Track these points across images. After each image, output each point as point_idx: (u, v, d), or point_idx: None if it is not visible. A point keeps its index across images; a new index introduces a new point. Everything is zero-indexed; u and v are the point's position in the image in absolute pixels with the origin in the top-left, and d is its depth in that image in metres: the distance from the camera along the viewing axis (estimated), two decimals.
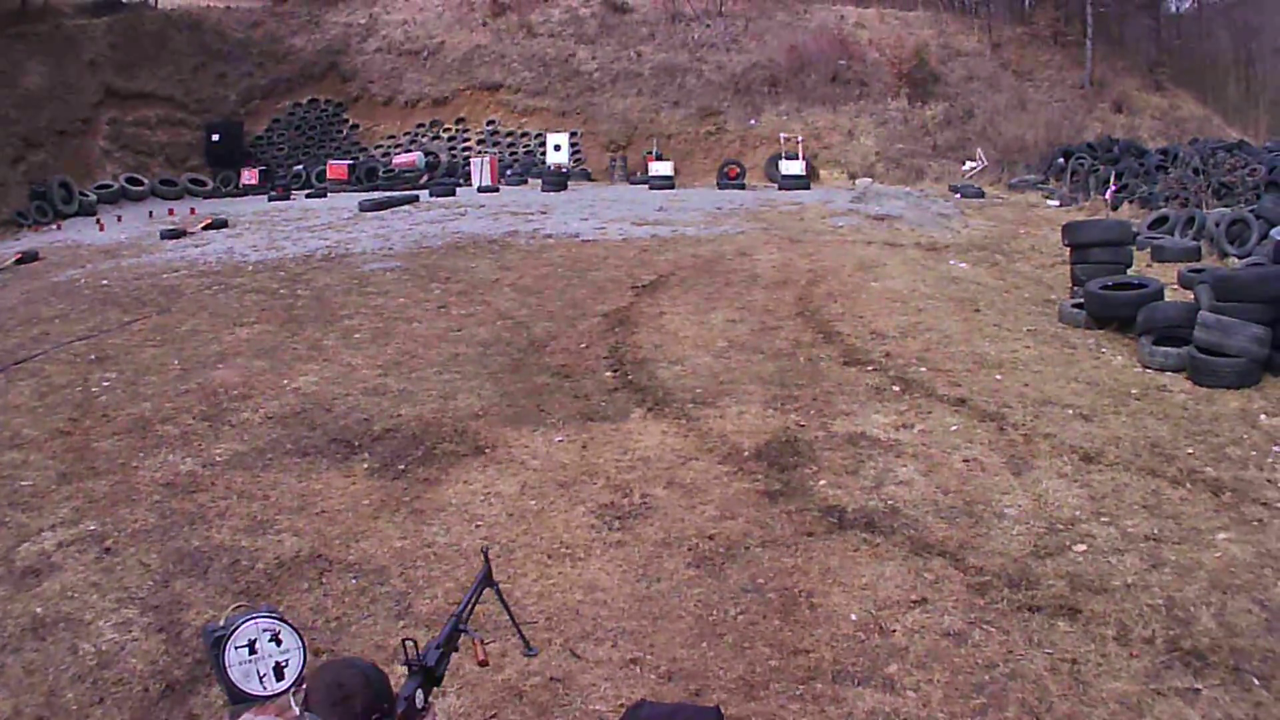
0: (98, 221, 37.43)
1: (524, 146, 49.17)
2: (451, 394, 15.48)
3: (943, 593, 9.55)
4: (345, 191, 43.50)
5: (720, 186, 42.64)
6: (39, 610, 9.78)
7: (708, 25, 53.14)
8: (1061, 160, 40.90)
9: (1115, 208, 33.71)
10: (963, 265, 24.64)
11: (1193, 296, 17.91)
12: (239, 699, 5.30)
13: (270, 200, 41.43)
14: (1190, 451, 12.86)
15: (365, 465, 13.04)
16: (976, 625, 8.97)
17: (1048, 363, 16.43)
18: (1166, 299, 18.05)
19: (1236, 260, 23.14)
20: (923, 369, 15.93)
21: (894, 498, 11.60)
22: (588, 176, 46.67)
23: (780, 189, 41.26)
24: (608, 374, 16.30)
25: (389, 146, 49.78)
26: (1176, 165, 34.64)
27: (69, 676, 8.72)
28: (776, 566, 10.18)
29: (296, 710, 4.59)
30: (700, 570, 10.17)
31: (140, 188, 44.15)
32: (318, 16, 53.45)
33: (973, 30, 55.05)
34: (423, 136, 49.87)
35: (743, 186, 42.25)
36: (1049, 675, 8.23)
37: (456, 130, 49.88)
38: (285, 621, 5.47)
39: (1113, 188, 34.93)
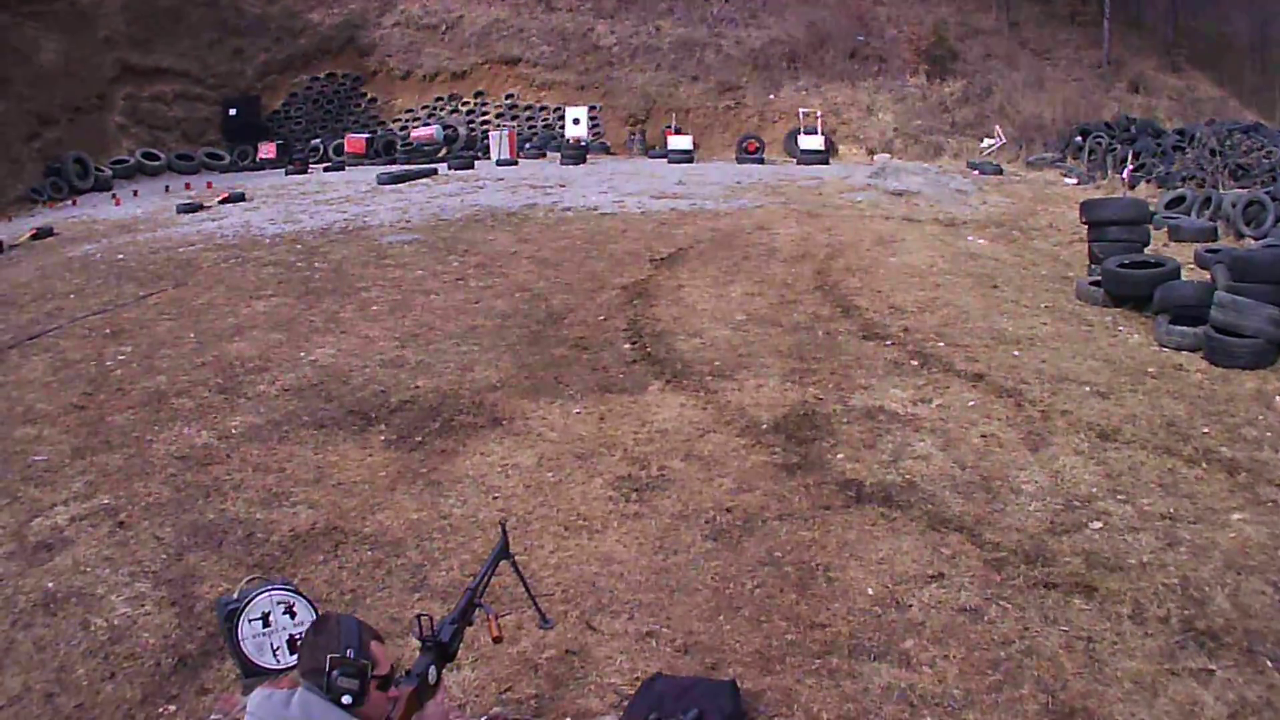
0: (113, 197, 37.46)
1: (542, 120, 49.12)
2: (469, 366, 15.50)
3: (959, 568, 9.56)
4: (363, 165, 43.54)
5: (739, 161, 42.58)
6: (51, 585, 9.78)
7: (726, 0, 53.08)
8: (1079, 139, 40.80)
9: (1132, 187, 33.62)
10: (981, 241, 24.62)
11: (1209, 276, 17.86)
12: (252, 673, 5.31)
13: (287, 174, 41.38)
14: (1206, 431, 12.85)
15: (382, 437, 13.04)
16: (993, 601, 8.97)
17: (1065, 340, 16.42)
18: (1183, 278, 18.04)
19: (1253, 241, 23.14)
20: (940, 344, 15.93)
21: (911, 472, 11.60)
22: (606, 150, 46.64)
23: (799, 164, 41.34)
24: (626, 346, 16.32)
25: (407, 120, 49.72)
26: (1193, 146, 34.59)
27: (80, 652, 8.71)
28: (794, 540, 10.19)
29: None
30: (717, 543, 10.18)
31: (156, 163, 44.24)
32: None
33: (991, 8, 54.92)
34: (441, 110, 49.81)
35: (761, 161, 42.22)
36: (1064, 653, 8.22)
37: (475, 104, 49.83)
38: (299, 594, 5.49)
39: (1130, 167, 34.86)
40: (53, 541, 10.66)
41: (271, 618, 5.50)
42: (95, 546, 10.51)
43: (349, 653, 4.46)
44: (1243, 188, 28.53)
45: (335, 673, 4.40)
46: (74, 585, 9.77)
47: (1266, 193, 25.44)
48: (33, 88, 41.48)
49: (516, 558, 5.90)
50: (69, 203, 37.70)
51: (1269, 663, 8.04)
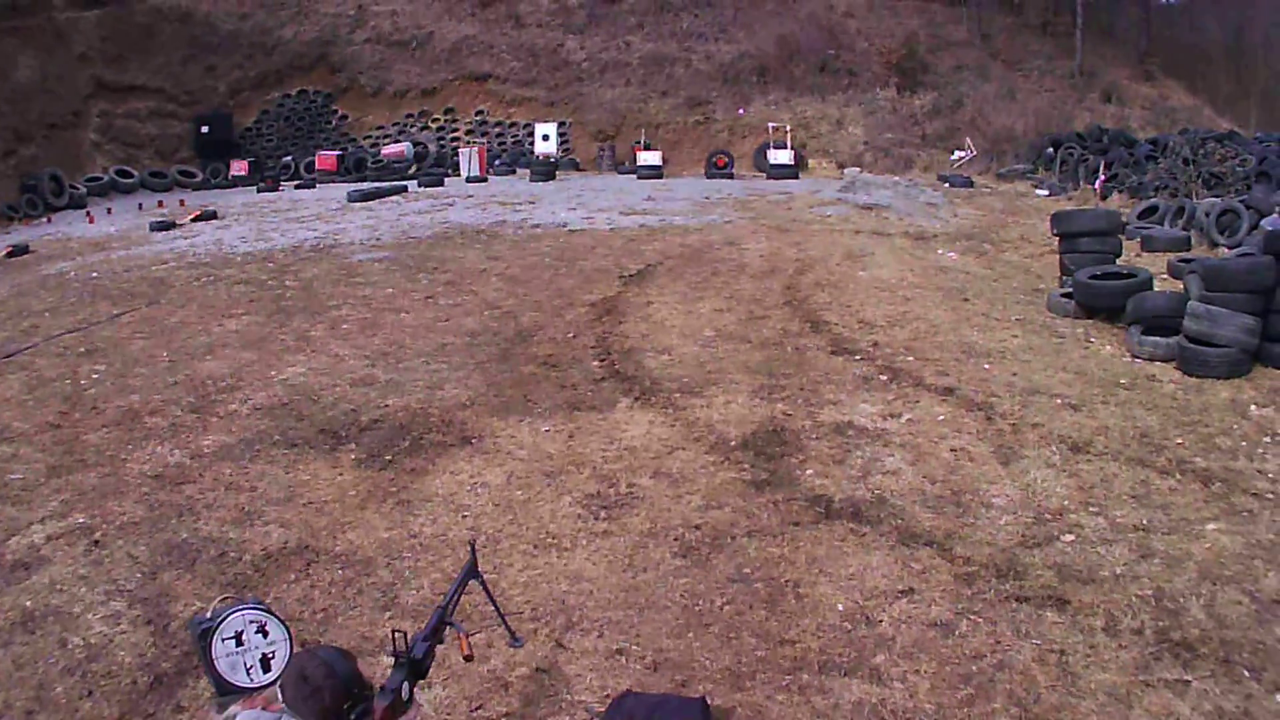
0: (87, 214, 37.57)
1: (512, 136, 49.23)
2: (439, 384, 15.48)
3: (930, 583, 9.55)
4: (334, 182, 43.72)
5: (708, 176, 42.76)
6: (28, 604, 9.78)
7: (696, 15, 53.18)
8: (1051, 150, 40.93)
9: (1105, 197, 33.78)
10: (951, 254, 24.67)
11: (1182, 286, 17.91)
12: (226, 691, 5.33)
13: (259, 191, 41.66)
14: (1180, 442, 12.85)
15: (352, 456, 13.02)
16: (964, 616, 8.97)
17: (1036, 352, 16.44)
18: (1155, 289, 18.06)
19: (1226, 250, 23.21)
20: (910, 358, 15.93)
21: (881, 487, 11.59)
22: (576, 166, 46.80)
23: (769, 178, 41.47)
24: (595, 364, 16.30)
25: (378, 137, 49.79)
26: (1166, 155, 34.63)
27: (58, 670, 8.72)
28: (763, 556, 10.17)
29: (281, 702, 4.59)
30: (686, 560, 10.16)
31: (130, 180, 44.34)
32: (307, 7, 53.35)
33: (962, 20, 55.09)
34: (411, 127, 49.90)
35: (731, 176, 42.40)
36: (1037, 666, 8.22)
37: (445, 120, 49.93)
38: (271, 613, 5.50)
39: (1102, 177, 35.00)
40: (29, 560, 10.65)
41: (244, 637, 5.51)
42: (71, 565, 10.50)
43: (355, 690, 4.55)
44: (1216, 196, 28.60)
45: (354, 715, 4.50)
46: (51, 604, 9.77)
47: (1241, 201, 25.53)
48: (9, 104, 41.53)
49: (486, 576, 5.93)
50: (44, 220, 37.85)
51: (1246, 672, 8.05)
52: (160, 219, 33.20)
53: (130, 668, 8.71)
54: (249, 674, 5.52)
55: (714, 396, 14.56)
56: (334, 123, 50.66)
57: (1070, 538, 10.37)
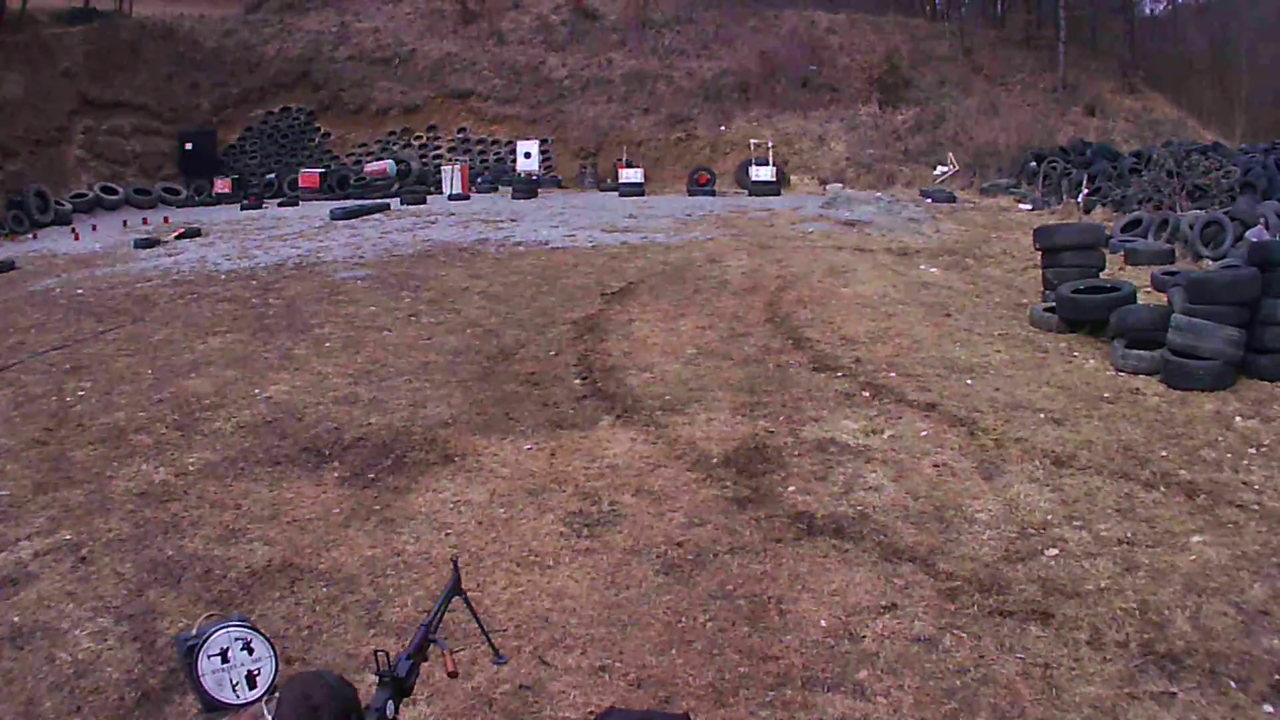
0: (73, 231, 37.53)
1: (494, 154, 49.24)
2: (421, 402, 15.49)
3: (913, 598, 9.54)
4: (317, 200, 43.73)
5: (690, 193, 42.87)
6: (17, 619, 9.78)
7: (678, 31, 53.22)
8: (1034, 164, 40.93)
9: (1088, 211, 33.79)
10: (933, 270, 24.67)
11: (1166, 299, 17.94)
12: (212, 707, 5.32)
13: (243, 209, 41.69)
14: (1164, 454, 12.87)
15: (336, 474, 13.02)
16: (947, 630, 8.96)
17: (1019, 367, 16.45)
18: (1139, 302, 18.08)
19: (1211, 262, 23.20)
20: (893, 374, 15.94)
21: (863, 503, 11.59)
22: (558, 184, 46.85)
23: (750, 195, 41.61)
24: (576, 382, 16.32)
25: (360, 154, 49.76)
26: (1150, 168, 34.62)
27: (47, 685, 8.71)
28: (745, 573, 10.17)
29: (269, 719, 4.59)
30: (669, 577, 10.16)
31: (115, 197, 44.20)
32: (290, 25, 53.35)
33: (944, 35, 55.12)
34: (394, 144, 49.86)
35: (713, 193, 42.50)
36: (1021, 680, 8.22)
37: (427, 138, 49.92)
38: (257, 630, 5.48)
39: (1085, 191, 34.99)
40: (17, 576, 10.66)
41: (230, 654, 5.49)
42: (59, 581, 10.51)
43: (353, 717, 4.55)
44: (1201, 209, 28.63)
45: None
46: (39, 620, 9.78)
47: (1225, 213, 25.57)
48: None
49: (469, 594, 5.92)
50: (29, 236, 37.73)
51: (1232, 684, 8.05)
52: (144, 236, 33.27)
53: (118, 684, 8.72)
54: (235, 691, 5.51)
55: (696, 414, 14.58)
56: (316, 140, 50.60)
57: (1054, 552, 10.38)
